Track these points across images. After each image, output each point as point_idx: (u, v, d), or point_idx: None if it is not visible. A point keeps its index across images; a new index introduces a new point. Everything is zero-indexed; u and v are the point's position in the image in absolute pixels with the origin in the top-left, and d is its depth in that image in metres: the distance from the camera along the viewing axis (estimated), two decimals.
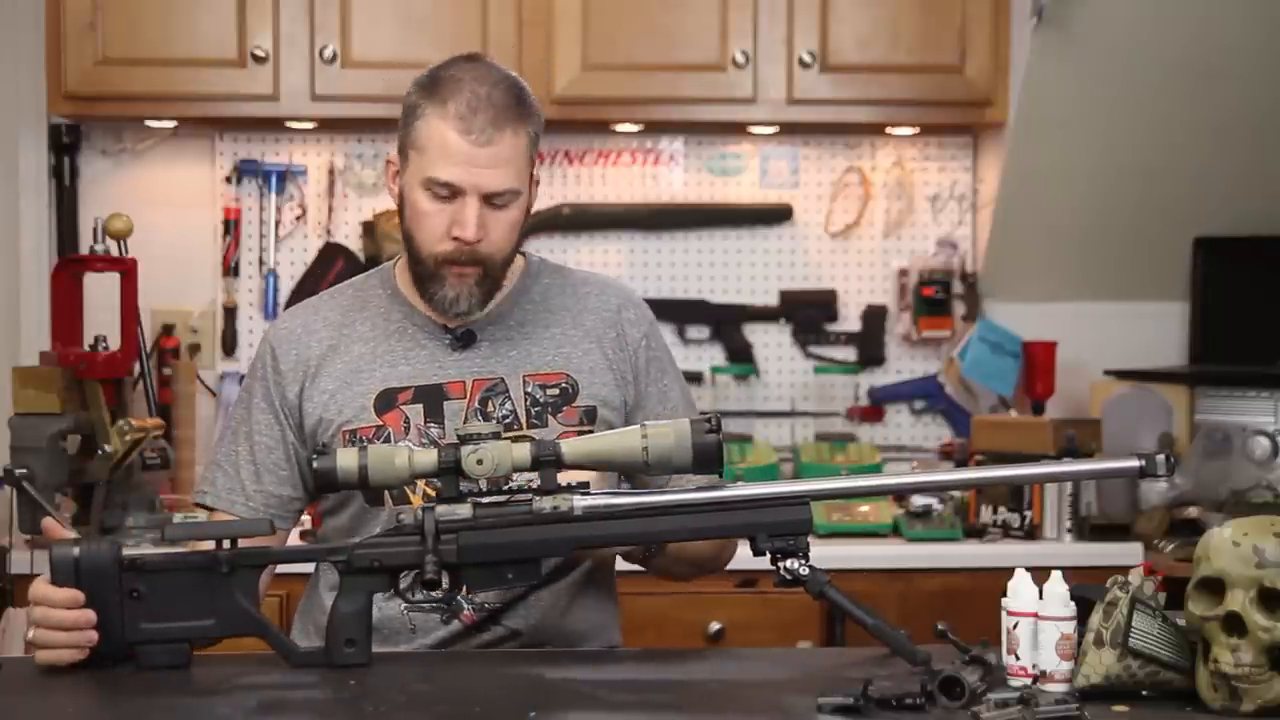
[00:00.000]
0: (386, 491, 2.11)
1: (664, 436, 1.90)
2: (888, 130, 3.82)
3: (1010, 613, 1.85)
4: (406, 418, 2.14)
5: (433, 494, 2.04)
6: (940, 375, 3.90)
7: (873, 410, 3.89)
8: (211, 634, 1.93)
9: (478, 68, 2.14)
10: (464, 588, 2.07)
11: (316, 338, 2.21)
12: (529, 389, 2.17)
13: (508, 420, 2.14)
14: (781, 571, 1.92)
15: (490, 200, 2.10)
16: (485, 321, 2.19)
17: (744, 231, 3.90)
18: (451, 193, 2.09)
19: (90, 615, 1.88)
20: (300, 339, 2.21)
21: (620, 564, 2.28)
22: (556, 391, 2.17)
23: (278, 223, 3.80)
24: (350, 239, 3.82)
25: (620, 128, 3.77)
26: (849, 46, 3.57)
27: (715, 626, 3.26)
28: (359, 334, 2.20)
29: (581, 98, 3.54)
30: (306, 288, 3.68)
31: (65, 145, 3.70)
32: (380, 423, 2.14)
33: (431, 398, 2.15)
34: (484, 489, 1.95)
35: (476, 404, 2.15)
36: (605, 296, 2.26)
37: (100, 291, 3.31)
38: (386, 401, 2.15)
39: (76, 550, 1.90)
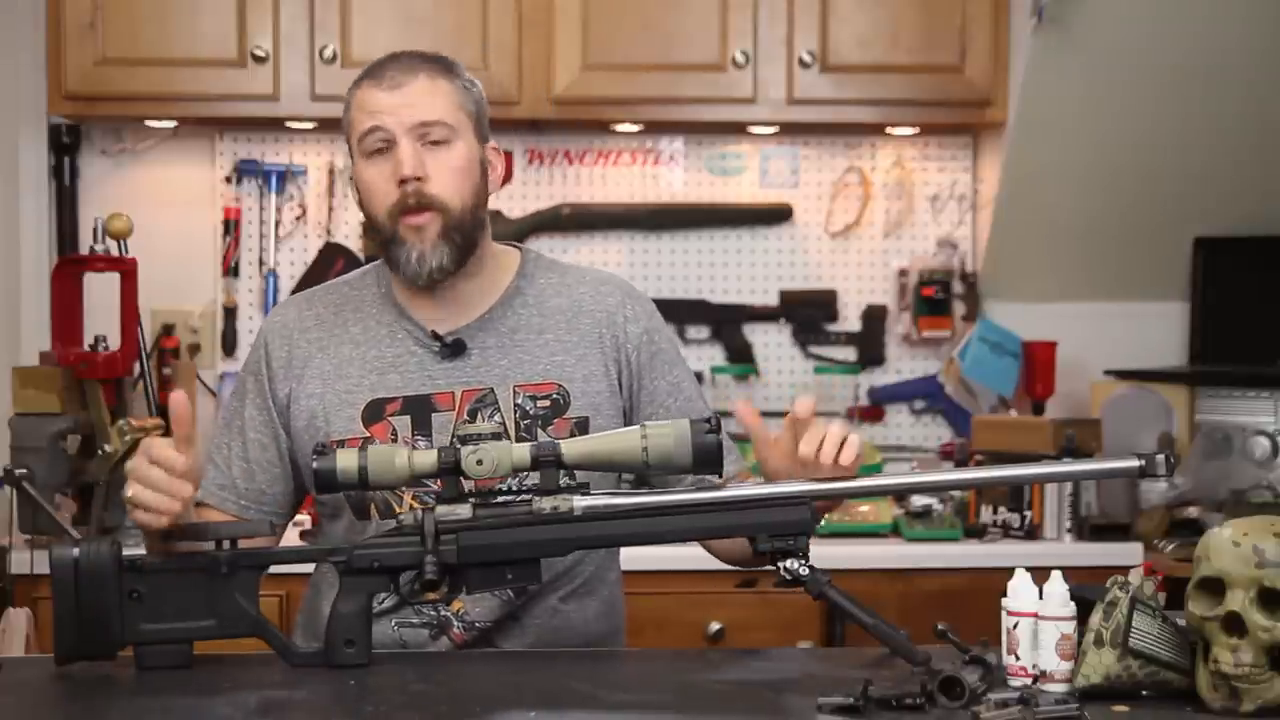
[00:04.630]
0: (373, 505, 2.11)
1: (664, 436, 1.90)
2: (888, 130, 3.82)
3: (1010, 613, 1.85)
4: (394, 429, 2.12)
5: (418, 507, 2.04)
6: (940, 375, 3.90)
7: (873, 410, 3.89)
8: (211, 635, 1.93)
9: (403, 51, 2.19)
10: (456, 600, 2.07)
11: (307, 336, 2.19)
12: (519, 400, 2.13)
13: (496, 433, 2.09)
14: (781, 572, 1.92)
15: (424, 138, 2.10)
16: (476, 327, 2.16)
17: (744, 231, 3.90)
18: (385, 141, 2.10)
19: (185, 486, 1.90)
20: (292, 334, 2.20)
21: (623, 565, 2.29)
22: (547, 403, 2.14)
23: (278, 223, 3.81)
24: (350, 239, 3.82)
25: (620, 128, 3.77)
26: (849, 46, 3.57)
27: (715, 626, 3.26)
28: (349, 335, 2.18)
29: (581, 98, 3.54)
30: (306, 288, 3.68)
31: (65, 145, 3.70)
32: (368, 434, 2.11)
33: (420, 409, 2.13)
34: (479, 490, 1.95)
35: (465, 416, 2.12)
36: (602, 296, 2.22)
37: (100, 291, 3.31)
38: (374, 413, 2.13)
39: (76, 550, 1.90)
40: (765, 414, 3.84)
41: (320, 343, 2.18)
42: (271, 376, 2.18)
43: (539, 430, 2.12)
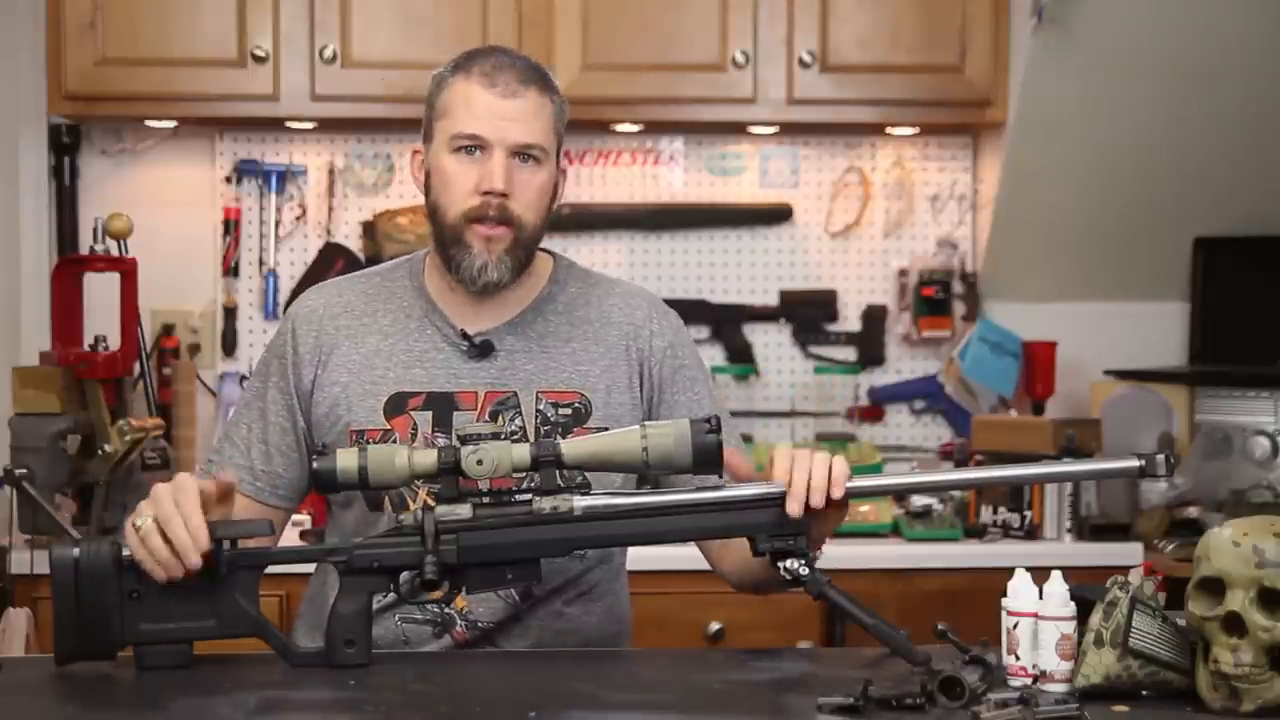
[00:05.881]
0: (387, 498, 2.11)
1: (664, 436, 1.90)
2: (888, 130, 3.82)
3: (1010, 613, 1.85)
4: (415, 424, 2.12)
5: (432, 502, 2.04)
6: (940, 375, 3.90)
7: (873, 410, 3.89)
8: (211, 635, 1.93)
9: (503, 48, 2.21)
10: (458, 599, 2.07)
11: (336, 323, 2.19)
12: (541, 406, 2.13)
13: (516, 437, 2.09)
14: (781, 572, 1.92)
15: (518, 156, 2.11)
16: (506, 330, 2.17)
17: (744, 231, 3.90)
18: (478, 147, 2.10)
19: (196, 557, 1.87)
20: (321, 320, 2.19)
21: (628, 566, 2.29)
22: (569, 411, 2.14)
23: (278, 223, 3.80)
24: (350, 239, 3.82)
25: (620, 128, 3.77)
26: (849, 46, 3.57)
27: (715, 626, 3.26)
28: (378, 325, 2.18)
29: (581, 98, 3.51)
30: (306, 288, 3.68)
31: (65, 145, 3.70)
32: (388, 427, 2.12)
33: (442, 406, 2.13)
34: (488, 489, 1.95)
35: (486, 417, 2.12)
36: (630, 308, 2.23)
37: (100, 291, 3.31)
38: (396, 406, 2.13)
39: (76, 550, 1.90)
40: (765, 414, 3.89)
41: (349, 330, 2.18)
42: (297, 361, 2.18)
43: (558, 438, 2.11)
